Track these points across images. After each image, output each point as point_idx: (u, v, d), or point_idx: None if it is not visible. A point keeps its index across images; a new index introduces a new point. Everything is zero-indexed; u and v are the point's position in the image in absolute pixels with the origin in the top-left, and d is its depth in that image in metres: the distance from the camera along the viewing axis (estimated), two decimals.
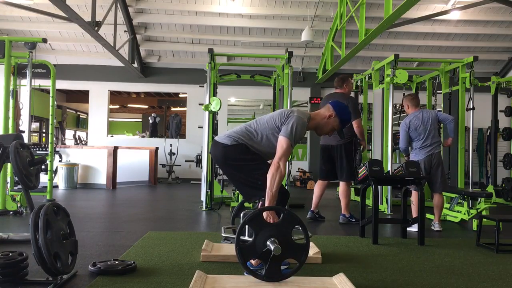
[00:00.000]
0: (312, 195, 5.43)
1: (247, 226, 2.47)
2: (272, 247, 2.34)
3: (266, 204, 2.53)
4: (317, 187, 5.34)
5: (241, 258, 2.40)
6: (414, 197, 4.60)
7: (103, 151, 8.74)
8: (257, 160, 2.78)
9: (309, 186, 9.84)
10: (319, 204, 5.36)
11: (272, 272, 2.43)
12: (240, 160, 2.76)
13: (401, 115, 11.33)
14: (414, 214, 4.55)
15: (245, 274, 2.72)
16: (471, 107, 6.06)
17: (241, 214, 2.88)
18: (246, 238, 2.50)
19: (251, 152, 2.78)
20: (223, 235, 3.21)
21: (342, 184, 5.22)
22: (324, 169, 5.34)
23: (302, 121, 2.73)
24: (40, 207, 2.42)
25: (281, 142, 2.65)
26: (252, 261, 2.71)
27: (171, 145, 11.03)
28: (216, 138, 2.90)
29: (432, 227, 4.69)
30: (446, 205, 5.45)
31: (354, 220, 5.10)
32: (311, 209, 5.32)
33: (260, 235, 2.40)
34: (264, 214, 2.48)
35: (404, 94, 7.47)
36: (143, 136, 13.79)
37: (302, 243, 2.50)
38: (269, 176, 2.56)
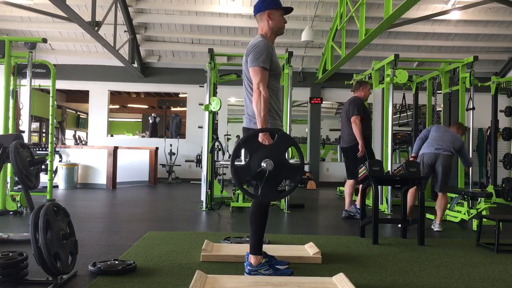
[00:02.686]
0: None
1: (243, 153, 2.47)
2: (265, 165, 2.37)
3: (259, 127, 2.56)
4: (346, 187, 5.54)
5: (236, 178, 2.42)
6: (409, 195, 4.61)
7: (103, 151, 8.74)
8: None
9: (309, 186, 9.85)
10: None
11: (268, 191, 2.45)
12: None
13: (401, 115, 11.35)
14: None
15: (245, 274, 2.72)
16: (471, 107, 6.06)
17: None
18: (242, 162, 2.50)
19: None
20: (222, 162, 3.19)
21: (348, 182, 5.46)
22: (346, 168, 5.57)
23: (260, 41, 2.70)
24: (40, 207, 2.42)
25: (253, 70, 2.64)
26: (252, 261, 2.71)
27: (171, 145, 11.03)
28: (243, 125, 2.87)
29: (432, 227, 4.69)
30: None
31: (353, 214, 5.30)
32: (345, 208, 5.44)
33: (255, 156, 2.42)
34: (260, 136, 2.50)
35: (404, 94, 7.51)
36: (143, 136, 13.79)
37: (296, 164, 2.51)
38: (253, 103, 2.61)
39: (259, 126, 2.57)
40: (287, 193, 2.48)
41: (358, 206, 5.27)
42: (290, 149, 5.48)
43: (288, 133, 6.17)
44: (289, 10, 2.88)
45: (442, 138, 4.78)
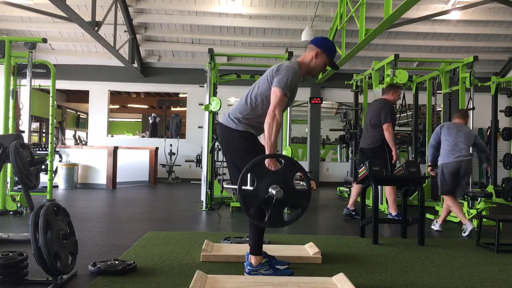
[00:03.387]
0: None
1: (249, 178, 2.46)
2: (274, 192, 2.35)
3: (267, 153, 2.55)
4: (354, 187, 5.52)
5: (244, 204, 2.41)
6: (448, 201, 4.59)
7: (103, 151, 8.74)
8: (259, 153, 2.76)
9: None
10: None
11: (275, 218, 2.43)
12: (242, 150, 2.73)
13: (401, 115, 11.35)
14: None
15: (245, 274, 2.72)
16: (471, 107, 6.06)
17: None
18: (248, 187, 2.48)
19: (255, 142, 2.76)
20: (226, 186, 3.20)
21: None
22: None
23: (294, 68, 2.70)
24: (40, 207, 2.42)
25: (275, 92, 2.62)
26: (252, 261, 2.71)
27: (171, 145, 11.03)
28: (220, 120, 2.86)
29: (433, 226, 4.69)
30: None
31: (354, 213, 5.32)
32: (347, 206, 5.43)
33: (262, 182, 2.40)
34: (266, 162, 2.49)
35: (404, 94, 7.51)
36: (143, 136, 13.79)
37: (303, 189, 2.50)
38: (266, 126, 2.57)
39: (267, 151, 2.55)
40: (294, 220, 2.47)
41: (351, 208, 5.39)
42: (290, 149, 5.48)
43: (288, 132, 6.18)
44: (334, 66, 2.92)
45: (457, 143, 4.61)
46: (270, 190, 2.37)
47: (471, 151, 4.68)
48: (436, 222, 4.73)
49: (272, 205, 2.37)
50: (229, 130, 2.74)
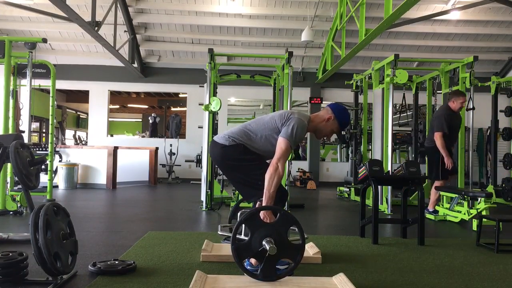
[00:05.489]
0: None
1: (243, 225, 2.47)
2: (267, 247, 2.35)
3: (264, 204, 2.55)
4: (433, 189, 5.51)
5: (236, 257, 2.41)
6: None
7: (103, 151, 8.74)
8: (256, 160, 2.78)
9: (309, 186, 9.84)
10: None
11: (268, 271, 2.44)
12: (239, 160, 2.77)
13: (401, 115, 11.36)
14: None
15: (245, 274, 2.72)
16: (471, 107, 6.06)
17: (238, 214, 2.88)
18: (242, 237, 2.50)
19: (250, 152, 2.78)
20: (220, 233, 3.22)
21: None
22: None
23: (303, 123, 2.73)
24: (40, 207, 2.42)
25: (281, 143, 2.65)
26: (252, 261, 2.71)
27: (171, 145, 11.03)
28: (214, 138, 2.90)
29: None
30: (446, 205, 5.45)
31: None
32: (427, 208, 5.45)
33: (256, 235, 2.41)
34: (261, 214, 2.49)
35: (404, 94, 7.50)
36: (143, 136, 13.78)
37: (297, 243, 2.51)
38: (267, 176, 2.57)
39: (264, 202, 2.55)
40: (287, 274, 2.48)
41: (430, 209, 5.39)
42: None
43: None
44: (341, 138, 3.01)
45: None
46: (263, 243, 2.37)
47: None
48: None
49: (265, 259, 2.38)
50: (222, 146, 2.78)
